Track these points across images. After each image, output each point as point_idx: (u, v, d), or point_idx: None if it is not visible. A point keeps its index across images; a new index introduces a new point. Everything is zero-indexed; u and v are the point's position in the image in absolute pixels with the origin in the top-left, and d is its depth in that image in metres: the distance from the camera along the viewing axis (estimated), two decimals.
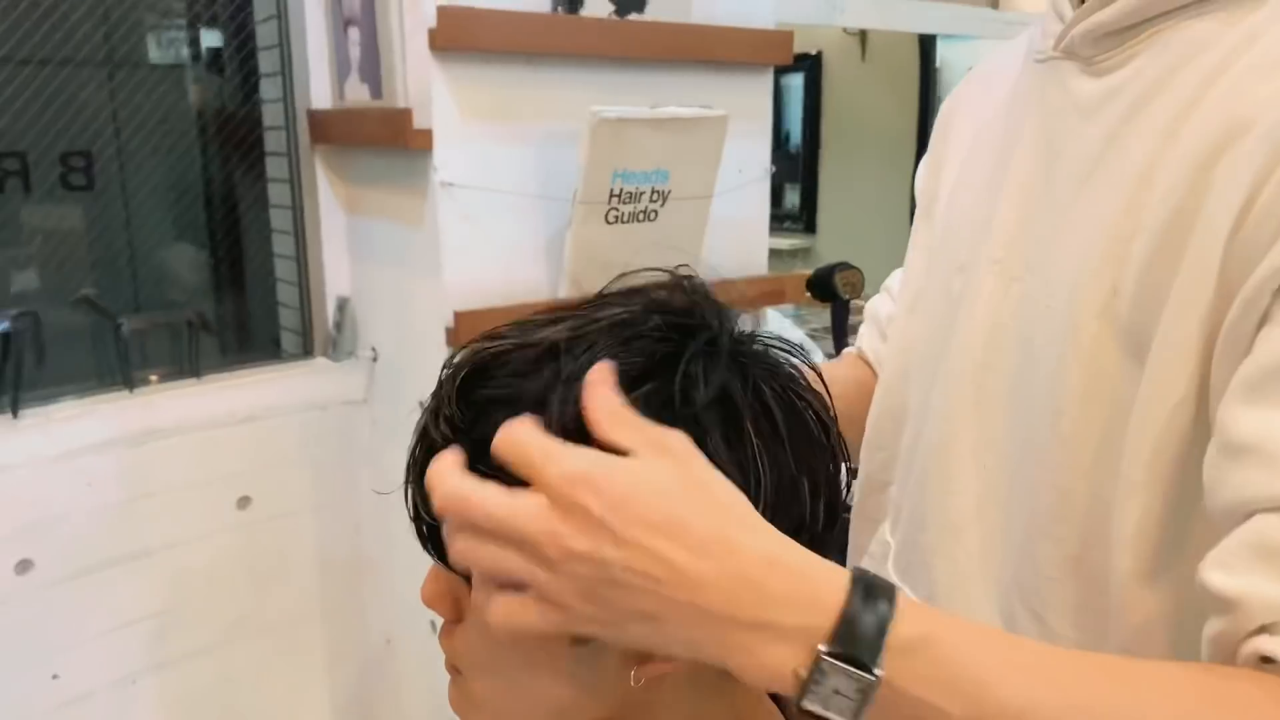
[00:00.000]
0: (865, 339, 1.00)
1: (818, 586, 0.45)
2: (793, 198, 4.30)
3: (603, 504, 0.44)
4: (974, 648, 0.45)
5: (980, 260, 0.73)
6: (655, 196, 1.58)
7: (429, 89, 1.41)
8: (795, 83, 4.27)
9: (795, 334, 2.08)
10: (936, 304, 0.79)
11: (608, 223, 1.54)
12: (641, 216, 1.58)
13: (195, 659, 1.64)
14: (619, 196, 1.53)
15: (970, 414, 0.72)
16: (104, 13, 1.54)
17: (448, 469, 0.47)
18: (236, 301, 1.80)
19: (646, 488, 0.45)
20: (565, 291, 1.56)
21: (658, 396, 0.51)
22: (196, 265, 1.72)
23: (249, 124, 1.74)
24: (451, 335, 1.46)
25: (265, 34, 1.70)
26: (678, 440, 0.47)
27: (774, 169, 1.81)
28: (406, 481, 0.57)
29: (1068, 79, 0.67)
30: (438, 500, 0.47)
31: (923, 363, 0.80)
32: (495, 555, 0.45)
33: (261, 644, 1.72)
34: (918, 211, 0.90)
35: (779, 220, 4.48)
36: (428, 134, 1.42)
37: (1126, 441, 0.59)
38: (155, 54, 1.66)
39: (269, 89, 1.72)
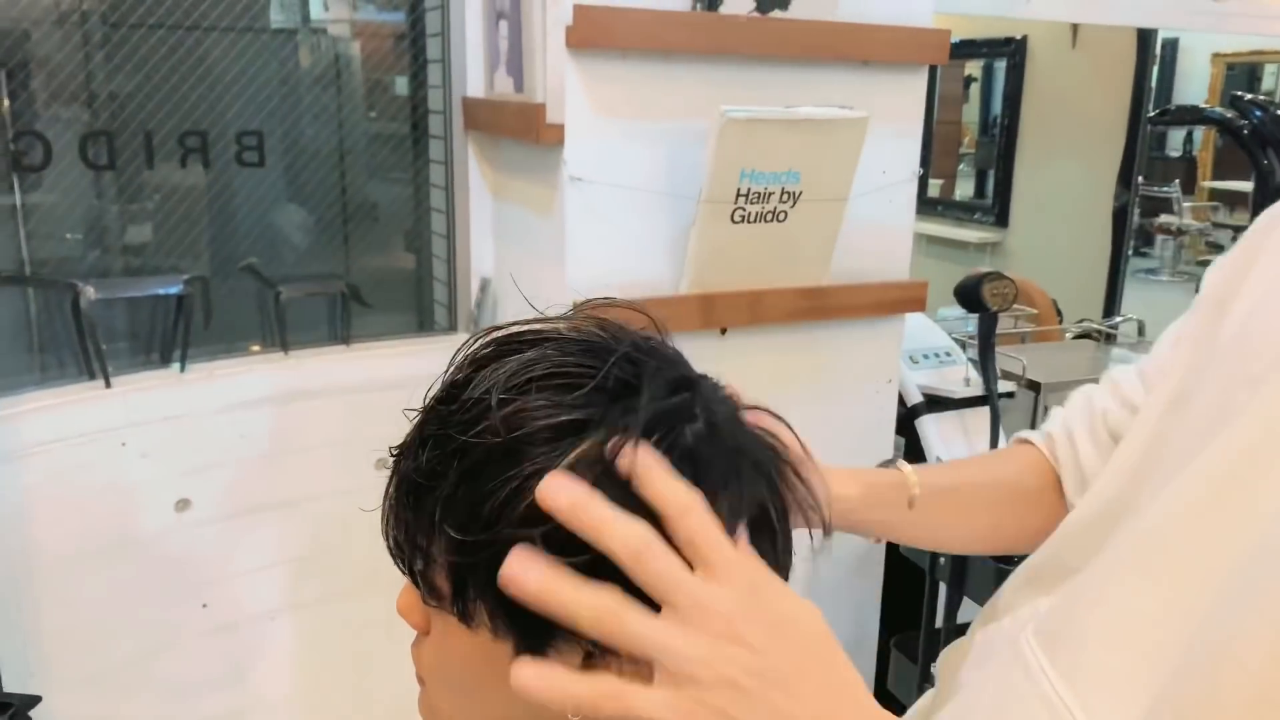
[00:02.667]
0: (1080, 434, 0.90)
1: None
2: (970, 187, 4.09)
3: (750, 655, 0.46)
4: None
5: (1276, 377, 0.69)
6: (785, 197, 1.56)
7: (563, 85, 1.45)
8: (998, 67, 4.06)
9: (941, 340, 2.01)
10: (1207, 409, 0.72)
11: (733, 222, 1.53)
12: (770, 217, 1.56)
13: (330, 603, 1.78)
14: (746, 196, 1.52)
15: (1202, 504, 0.67)
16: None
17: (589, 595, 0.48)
18: (392, 275, 1.92)
19: (782, 644, 0.47)
20: (687, 288, 1.57)
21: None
22: (354, 239, 1.84)
23: (416, 108, 1.85)
24: None
25: (432, 23, 1.79)
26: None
27: (920, 172, 1.74)
28: (385, 509, 0.60)
29: None
30: (586, 616, 0.48)
31: (1175, 459, 0.73)
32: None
33: (390, 596, 1.84)
34: (1201, 301, 0.81)
35: (969, 211, 4.29)
36: (559, 129, 1.46)
37: None
38: (327, 36, 1.78)
39: (434, 75, 1.82)
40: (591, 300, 0.66)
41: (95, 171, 1.52)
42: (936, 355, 1.96)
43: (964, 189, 4.61)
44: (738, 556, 0.49)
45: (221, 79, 1.59)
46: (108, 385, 1.49)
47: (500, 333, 0.59)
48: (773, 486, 0.59)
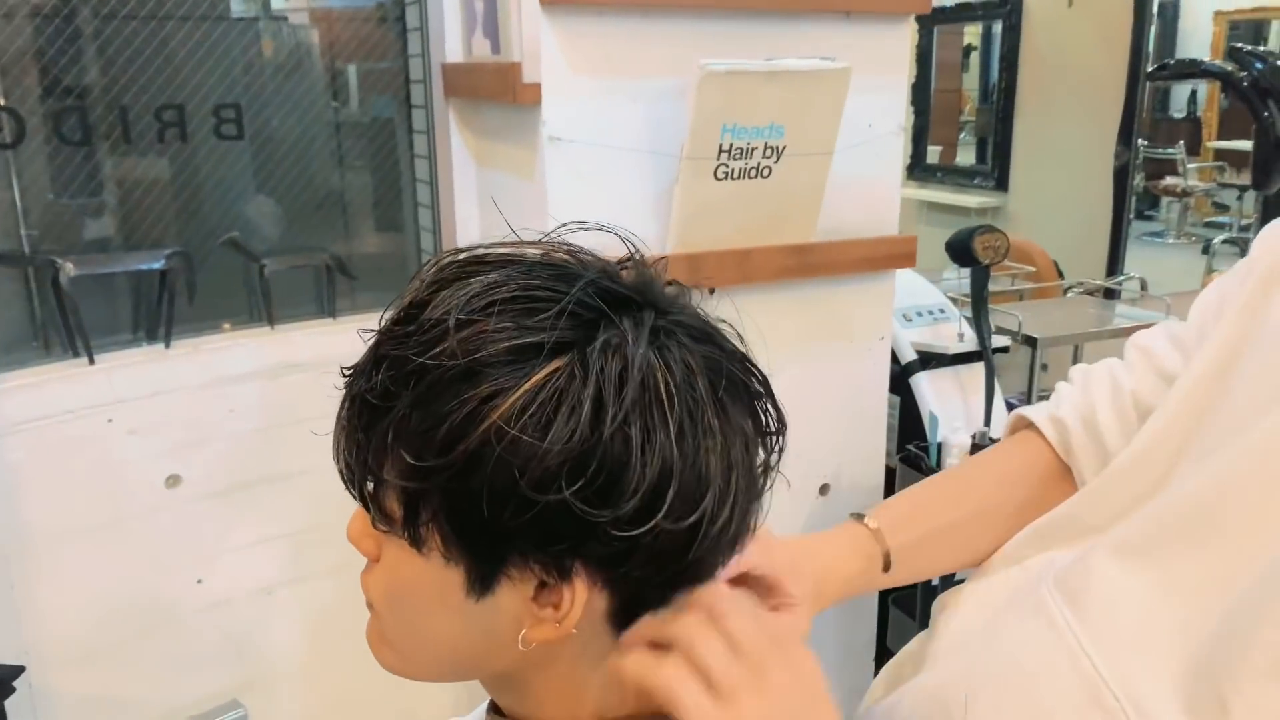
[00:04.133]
0: (1105, 420, 0.86)
1: None
2: (971, 154, 4.06)
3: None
4: None
5: None
6: (769, 152, 1.54)
7: (539, 43, 1.43)
8: (995, 32, 4.01)
9: (934, 297, 1.98)
10: (1260, 384, 0.69)
11: (717, 179, 1.51)
12: (754, 173, 1.54)
13: (326, 577, 1.77)
14: (729, 152, 1.50)
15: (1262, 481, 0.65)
16: None
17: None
18: (378, 247, 1.91)
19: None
20: (673, 248, 1.55)
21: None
22: (339, 211, 1.83)
23: (395, 76, 1.83)
24: None
25: None
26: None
27: (904, 126, 1.72)
28: (338, 431, 0.59)
29: None
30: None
31: (1222, 431, 0.71)
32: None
33: None
34: (1250, 266, 0.77)
35: (969, 176, 4.25)
36: (536, 88, 1.44)
37: None
38: (304, 5, 1.76)
39: (414, 45, 1.80)
40: (565, 224, 0.65)
41: (73, 148, 1.50)
42: (930, 312, 1.94)
43: (964, 156, 4.57)
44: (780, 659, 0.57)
45: (202, 54, 1.58)
46: (91, 362, 1.48)
47: (464, 254, 0.58)
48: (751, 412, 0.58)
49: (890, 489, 1.82)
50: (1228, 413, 0.71)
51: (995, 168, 3.98)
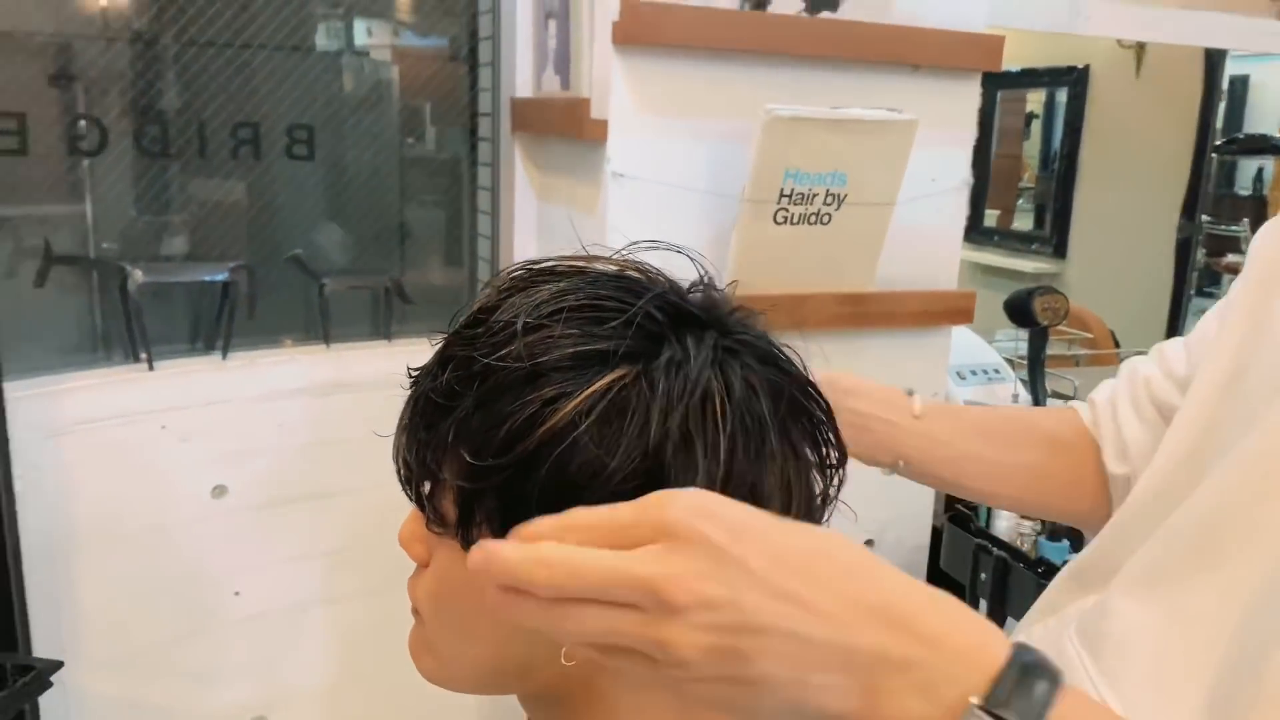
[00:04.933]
0: (1122, 401, 0.85)
1: (976, 638, 0.40)
2: (1029, 219, 4.03)
3: (732, 537, 0.39)
4: None
5: None
6: (830, 199, 1.54)
7: (608, 81, 1.45)
8: (1059, 98, 4.00)
9: (990, 357, 1.96)
10: (1259, 389, 0.68)
11: (776, 223, 1.52)
12: (814, 219, 1.54)
13: (362, 598, 1.77)
14: (790, 197, 1.50)
15: (1256, 493, 0.62)
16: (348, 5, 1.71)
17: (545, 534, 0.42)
18: (436, 274, 1.93)
19: (773, 523, 0.41)
20: (726, 286, 1.55)
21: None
22: (400, 237, 1.85)
23: (465, 109, 1.86)
24: None
25: (484, 26, 1.81)
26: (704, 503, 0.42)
27: (971, 181, 1.71)
28: (399, 430, 0.59)
29: None
30: (539, 572, 0.41)
31: (1227, 440, 0.69)
32: (607, 619, 0.40)
33: None
34: (1251, 264, 0.75)
35: (1026, 241, 4.21)
36: (603, 125, 1.45)
37: None
38: (380, 38, 1.80)
39: (485, 79, 1.83)
40: (636, 242, 0.65)
41: (150, 159, 1.55)
42: (985, 371, 1.91)
43: (1022, 221, 4.54)
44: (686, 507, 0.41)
45: (284, 81, 1.62)
46: (150, 368, 1.51)
47: (537, 265, 0.59)
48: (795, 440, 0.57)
49: (936, 549, 1.78)
50: (1229, 427, 0.69)
51: (1054, 234, 3.94)
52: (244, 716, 1.68)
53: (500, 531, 0.52)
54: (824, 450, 0.58)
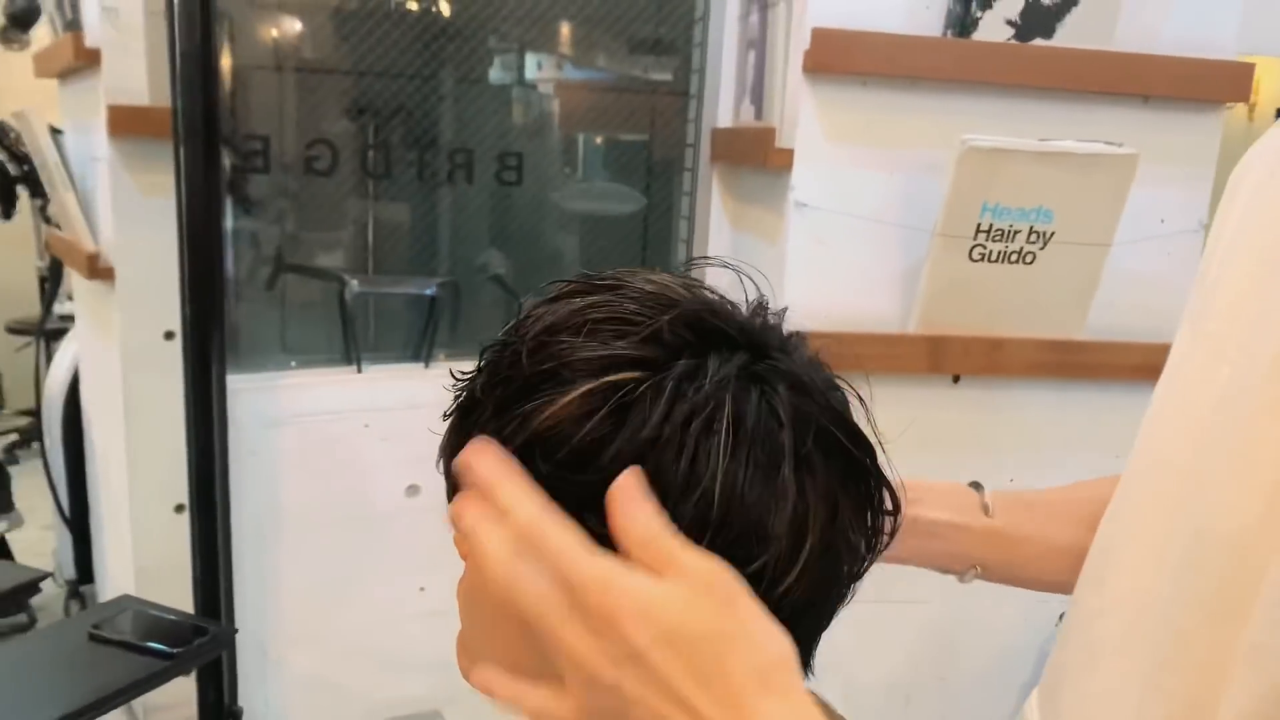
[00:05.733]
0: None
1: None
2: None
3: (645, 640, 0.42)
4: None
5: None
6: (1034, 237, 1.43)
7: (797, 109, 1.43)
8: None
9: None
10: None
11: (972, 259, 1.43)
12: (1015, 257, 1.44)
13: None
14: (988, 233, 1.41)
15: (1143, 510, 0.58)
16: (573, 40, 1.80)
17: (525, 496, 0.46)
18: None
19: (690, 629, 0.43)
20: (915, 327, 1.48)
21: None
22: (599, 262, 1.91)
23: (674, 140, 1.90)
24: None
25: (696, 59, 1.85)
26: (722, 576, 0.44)
27: (1208, 223, 1.54)
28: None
29: None
30: (521, 518, 0.45)
31: None
32: (539, 586, 0.44)
33: None
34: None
35: None
36: (789, 153, 1.44)
37: (1265, 584, 0.45)
38: (595, 71, 1.88)
39: (692, 110, 1.87)
40: (695, 259, 0.64)
41: (375, 180, 1.69)
42: None
43: None
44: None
45: (496, 111, 1.73)
46: (359, 371, 1.64)
47: (580, 277, 0.59)
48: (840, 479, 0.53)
49: None
50: None
51: None
52: (422, 708, 1.77)
53: None
54: (867, 498, 0.53)
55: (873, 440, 0.55)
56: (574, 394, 0.49)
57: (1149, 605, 0.54)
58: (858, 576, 0.54)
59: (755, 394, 0.50)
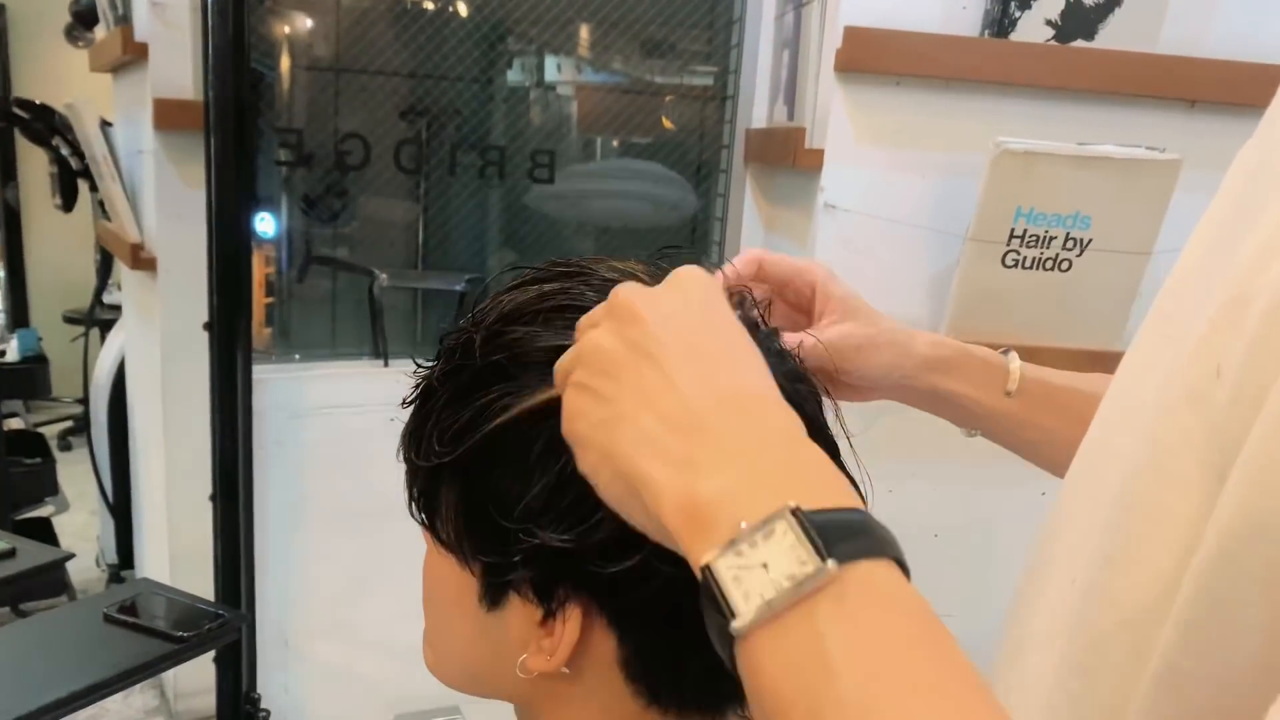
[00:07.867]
0: None
1: (829, 473, 0.39)
2: None
3: (630, 313, 0.43)
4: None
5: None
6: (1071, 243, 1.39)
7: (828, 109, 1.41)
8: None
9: None
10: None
11: (1005, 265, 1.39)
12: (1050, 264, 1.40)
13: None
14: (1021, 238, 1.38)
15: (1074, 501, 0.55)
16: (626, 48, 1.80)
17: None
18: None
19: (666, 304, 0.43)
20: (945, 333, 1.44)
21: None
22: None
23: (706, 142, 1.89)
24: None
25: (732, 60, 1.83)
26: (691, 271, 0.45)
27: None
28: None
29: None
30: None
31: None
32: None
33: None
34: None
35: None
36: (818, 154, 1.41)
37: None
38: (635, 74, 1.87)
39: (727, 110, 1.85)
40: (666, 248, 0.63)
41: (408, 175, 1.70)
42: None
43: None
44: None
45: (527, 112, 1.73)
46: (386, 364, 1.65)
47: (543, 265, 0.58)
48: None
49: None
50: None
51: None
52: (441, 703, 1.77)
53: (460, 527, 0.52)
54: None
55: (839, 437, 0.53)
56: (527, 403, 0.48)
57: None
58: None
59: None
